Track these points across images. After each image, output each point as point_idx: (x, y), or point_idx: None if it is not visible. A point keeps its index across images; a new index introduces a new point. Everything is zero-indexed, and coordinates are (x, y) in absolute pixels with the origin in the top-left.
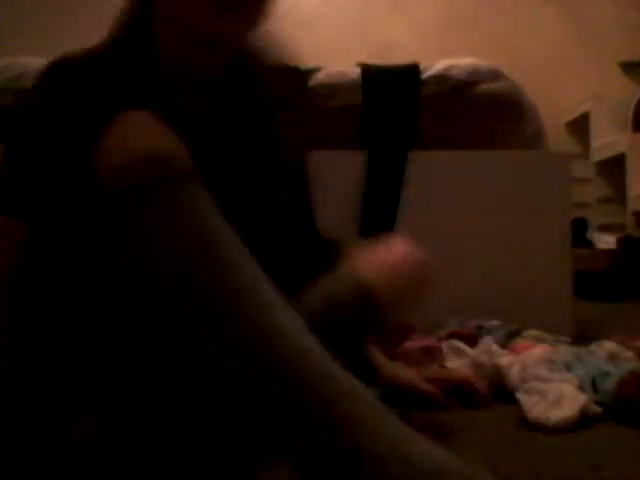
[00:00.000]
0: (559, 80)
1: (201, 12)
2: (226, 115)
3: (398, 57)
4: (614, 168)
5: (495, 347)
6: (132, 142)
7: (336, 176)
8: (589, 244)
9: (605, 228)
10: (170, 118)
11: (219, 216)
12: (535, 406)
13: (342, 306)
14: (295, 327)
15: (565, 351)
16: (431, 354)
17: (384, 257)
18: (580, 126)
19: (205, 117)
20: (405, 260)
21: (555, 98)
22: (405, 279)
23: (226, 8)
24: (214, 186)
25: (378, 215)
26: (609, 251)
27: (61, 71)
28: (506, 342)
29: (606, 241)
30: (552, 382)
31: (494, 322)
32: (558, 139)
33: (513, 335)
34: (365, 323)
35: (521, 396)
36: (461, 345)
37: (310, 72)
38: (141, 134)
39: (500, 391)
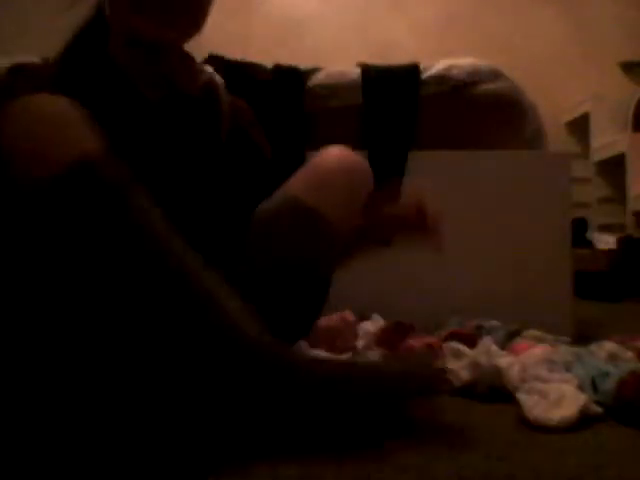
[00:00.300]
0: (559, 80)
1: (131, 17)
2: (178, 104)
3: (398, 57)
4: (614, 168)
5: (494, 348)
6: (57, 148)
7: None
8: (589, 244)
9: (605, 228)
10: (134, 107)
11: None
12: (535, 406)
13: (279, 223)
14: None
15: (565, 351)
16: (433, 351)
17: (310, 166)
18: (580, 126)
19: (160, 104)
20: (330, 161)
21: (555, 98)
22: (331, 176)
23: (153, 13)
24: (166, 166)
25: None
26: (609, 251)
27: (21, 71)
28: (506, 342)
29: (606, 241)
30: (552, 382)
31: (494, 322)
32: (558, 139)
33: (513, 335)
34: (311, 238)
35: (521, 396)
36: (460, 347)
37: (310, 72)
38: (68, 135)
39: (500, 391)
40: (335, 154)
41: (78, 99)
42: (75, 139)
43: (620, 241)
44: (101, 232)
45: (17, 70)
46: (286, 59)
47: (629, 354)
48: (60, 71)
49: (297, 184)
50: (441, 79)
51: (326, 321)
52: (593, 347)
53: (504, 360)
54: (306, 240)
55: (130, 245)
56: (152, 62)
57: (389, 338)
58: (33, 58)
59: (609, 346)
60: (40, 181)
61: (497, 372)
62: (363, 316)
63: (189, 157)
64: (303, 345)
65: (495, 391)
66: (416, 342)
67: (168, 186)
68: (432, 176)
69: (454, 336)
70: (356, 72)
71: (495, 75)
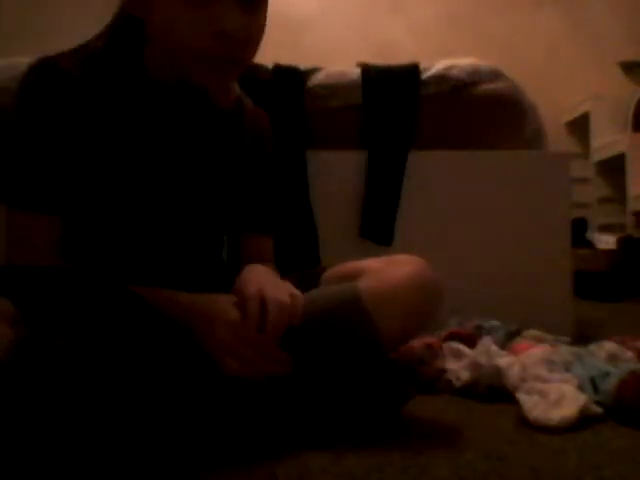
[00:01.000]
0: (559, 80)
1: (193, 69)
2: (212, 119)
3: (398, 57)
4: (614, 168)
5: (494, 348)
6: None
7: (336, 176)
8: (589, 244)
9: (605, 228)
10: (157, 115)
11: None
12: (535, 406)
13: (333, 321)
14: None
15: (565, 351)
16: (433, 351)
17: (388, 276)
18: (580, 126)
19: (184, 116)
20: (410, 284)
21: (555, 98)
22: (408, 305)
23: (216, 71)
24: (184, 170)
25: (378, 215)
26: (609, 251)
27: (49, 69)
28: (506, 342)
29: (606, 241)
30: (552, 382)
31: (494, 322)
32: (558, 139)
33: (513, 335)
34: (358, 341)
35: (521, 396)
36: (460, 347)
37: (310, 72)
38: None
39: (500, 391)
40: (416, 272)
41: (104, 103)
42: None
43: (620, 241)
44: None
45: (40, 67)
46: (286, 59)
47: (629, 354)
48: (88, 72)
49: (368, 289)
50: (441, 79)
51: None
52: (593, 347)
53: (504, 360)
54: (350, 348)
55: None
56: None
57: None
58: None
59: (609, 346)
60: None
61: (497, 372)
62: None
63: (217, 171)
64: None
65: (495, 391)
66: (416, 342)
67: (191, 200)
68: (432, 176)
69: (454, 336)
70: (356, 72)
71: (495, 75)
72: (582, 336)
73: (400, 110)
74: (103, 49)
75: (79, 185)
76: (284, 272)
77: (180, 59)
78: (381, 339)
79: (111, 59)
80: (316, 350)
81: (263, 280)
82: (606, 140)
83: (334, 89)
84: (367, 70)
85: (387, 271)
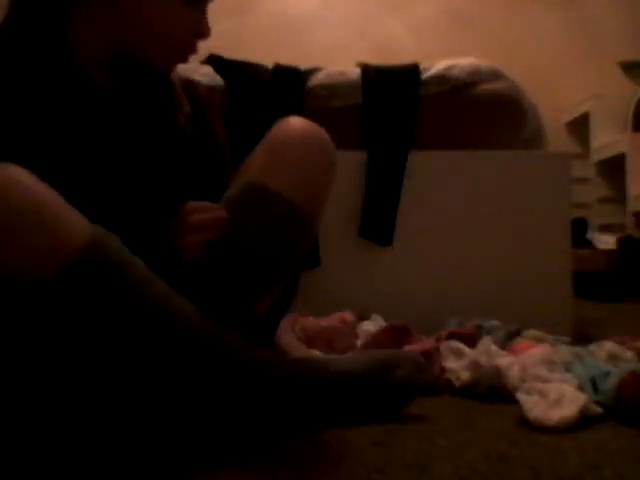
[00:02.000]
0: (559, 80)
1: (160, 53)
2: (129, 90)
3: (398, 57)
4: (614, 168)
5: (494, 348)
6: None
7: (336, 176)
8: (589, 244)
9: (605, 228)
10: (82, 93)
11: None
12: (535, 406)
13: (241, 207)
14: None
15: (565, 351)
16: (429, 358)
17: (269, 141)
18: (580, 126)
19: (116, 92)
20: (290, 136)
21: (555, 98)
22: (293, 155)
23: (185, 58)
24: (120, 150)
25: (378, 215)
26: (609, 251)
27: None
28: (506, 342)
29: (606, 241)
30: (552, 382)
31: (494, 322)
32: (558, 139)
33: (513, 335)
34: (270, 214)
35: (521, 396)
36: (460, 346)
37: (310, 72)
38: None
39: (500, 391)
40: (290, 126)
41: (20, 84)
42: (62, 231)
43: (620, 241)
44: (106, 309)
45: None
46: (286, 59)
47: (629, 354)
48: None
49: (255, 166)
50: (441, 79)
51: (325, 321)
52: (593, 347)
53: (504, 360)
54: (274, 228)
55: (133, 313)
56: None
57: (386, 342)
58: None
59: (609, 346)
60: (41, 283)
61: (497, 372)
62: (363, 316)
63: (146, 144)
64: (302, 347)
65: (495, 391)
66: (413, 347)
67: (127, 174)
68: (432, 176)
69: (454, 336)
70: (356, 72)
71: (495, 75)
72: (582, 336)
73: (400, 110)
74: (10, 27)
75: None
76: None
77: (146, 49)
78: (292, 206)
79: (24, 38)
80: (248, 240)
81: None
82: (606, 140)
83: (334, 89)
84: (367, 70)
85: (269, 142)
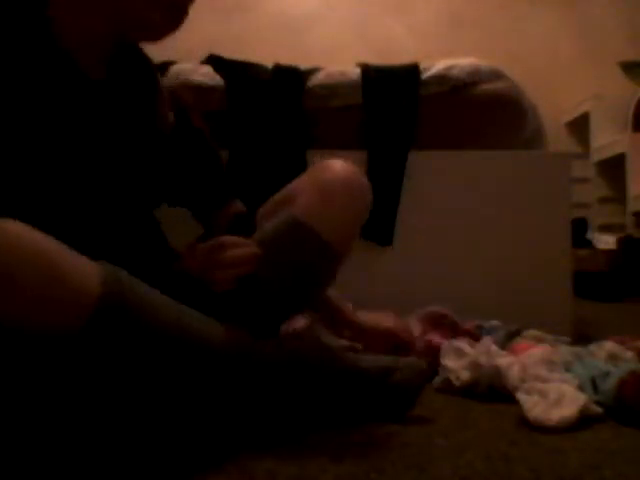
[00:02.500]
0: (559, 80)
1: (149, 9)
2: (120, 82)
3: (398, 57)
4: (614, 168)
5: (494, 348)
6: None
7: None
8: (589, 244)
9: (605, 228)
10: (71, 84)
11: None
12: (535, 406)
13: (278, 243)
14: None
15: (565, 351)
16: (431, 351)
17: (313, 182)
18: (580, 126)
19: (104, 83)
20: (334, 180)
21: (555, 98)
22: (336, 200)
23: (176, 13)
24: (108, 143)
25: (378, 215)
26: (609, 251)
27: None
28: (506, 342)
29: (606, 241)
30: (552, 382)
31: (494, 322)
32: (558, 139)
33: (513, 335)
34: (307, 252)
35: (521, 396)
36: (461, 345)
37: (310, 72)
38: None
39: (500, 391)
40: (338, 170)
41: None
42: (75, 282)
43: (620, 241)
44: (136, 347)
45: None
46: (286, 59)
47: (629, 354)
48: None
49: (300, 204)
50: (441, 79)
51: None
52: (593, 347)
53: (504, 360)
54: (310, 266)
55: (159, 343)
56: (105, 48)
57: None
58: None
59: (609, 346)
60: (68, 333)
61: (497, 372)
62: None
63: (131, 136)
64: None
65: (495, 391)
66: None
67: (107, 166)
68: (432, 176)
69: (466, 333)
70: (356, 72)
71: (495, 75)
72: (582, 336)
73: (400, 110)
74: None
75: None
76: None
77: (141, 10)
78: (329, 246)
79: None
80: (279, 280)
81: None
82: (606, 140)
83: (334, 89)
84: (367, 70)
85: (312, 184)
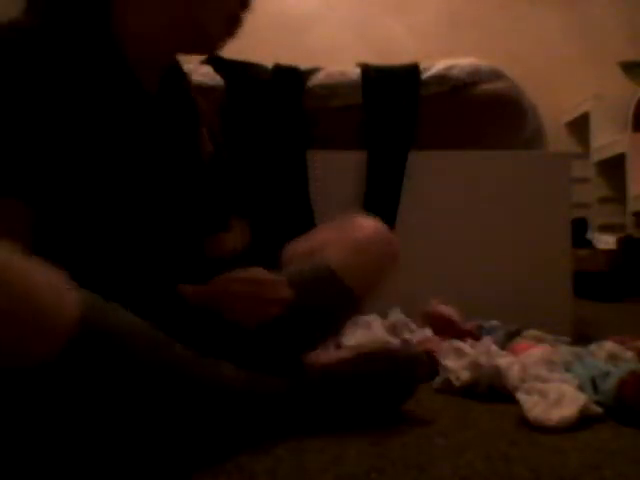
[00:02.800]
0: (559, 80)
1: (214, 22)
2: (169, 97)
3: (398, 57)
4: (614, 168)
5: (494, 348)
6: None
7: (336, 176)
8: (589, 244)
9: (605, 228)
10: (130, 98)
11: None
12: (535, 406)
13: (309, 290)
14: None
15: (565, 351)
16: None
17: (347, 236)
18: (580, 126)
19: (156, 97)
20: (369, 237)
21: (555, 98)
22: (369, 257)
23: (234, 24)
24: (157, 156)
25: (378, 215)
26: (609, 251)
27: (12, 46)
28: (506, 342)
29: (606, 241)
30: (552, 382)
31: (494, 322)
32: (558, 139)
33: (513, 335)
34: (336, 303)
35: (521, 396)
36: (461, 345)
37: (310, 72)
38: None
39: (500, 391)
40: (372, 229)
41: (60, 73)
42: (50, 312)
43: (620, 241)
44: (115, 374)
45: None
46: (286, 59)
47: (629, 354)
48: (44, 34)
49: (334, 256)
50: (441, 79)
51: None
52: (593, 347)
53: (504, 360)
54: (332, 313)
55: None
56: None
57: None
58: None
59: (609, 346)
60: (45, 366)
61: (497, 372)
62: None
63: (185, 156)
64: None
65: (495, 391)
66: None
67: (155, 183)
68: (432, 176)
69: (467, 334)
70: (356, 72)
71: (495, 75)
72: (582, 336)
73: (400, 110)
74: (47, 24)
75: (44, 172)
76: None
77: (198, 21)
78: (356, 294)
79: (66, 36)
80: (303, 324)
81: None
82: (606, 140)
83: (334, 89)
84: (367, 70)
85: (347, 238)
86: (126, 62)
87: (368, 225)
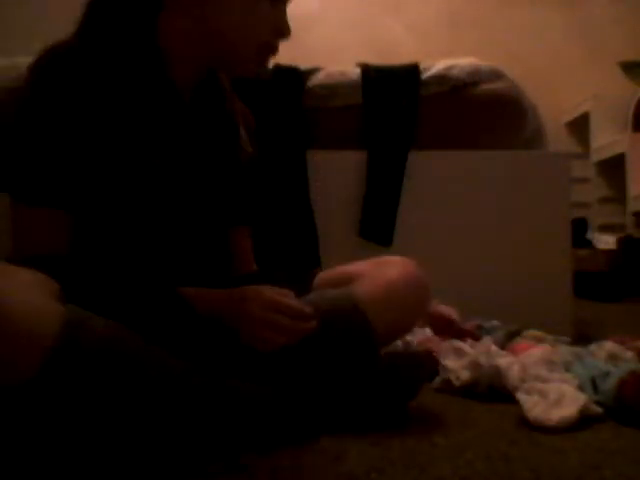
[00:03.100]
0: (559, 80)
1: (246, 47)
2: (203, 103)
3: (398, 57)
4: (614, 168)
5: (494, 348)
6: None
7: (336, 176)
8: (589, 244)
9: (605, 228)
10: (170, 110)
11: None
12: (535, 406)
13: (334, 327)
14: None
15: (565, 351)
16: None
17: (381, 280)
18: (580, 126)
19: (190, 104)
20: (402, 285)
21: (555, 98)
22: (401, 305)
23: (266, 59)
24: (189, 164)
25: (378, 215)
26: (609, 251)
27: (59, 61)
28: (506, 342)
29: (606, 241)
30: (552, 382)
31: (494, 322)
32: (558, 139)
33: (513, 335)
34: (357, 346)
35: (521, 396)
36: (461, 345)
37: (310, 72)
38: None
39: (500, 391)
40: (404, 270)
41: (112, 94)
42: (27, 333)
43: (620, 241)
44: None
45: (52, 55)
46: (286, 59)
47: (629, 354)
48: (95, 62)
49: (363, 290)
50: (441, 79)
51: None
52: (593, 347)
53: (504, 360)
54: (349, 357)
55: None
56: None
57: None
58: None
59: (609, 346)
60: (28, 383)
61: (497, 372)
62: None
63: (220, 163)
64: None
65: (495, 391)
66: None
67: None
68: (432, 176)
69: (466, 333)
70: (356, 72)
71: (495, 75)
72: (582, 336)
73: (400, 110)
74: (102, 39)
75: (85, 180)
76: (283, 272)
77: (235, 53)
78: (377, 339)
79: (115, 49)
80: (318, 354)
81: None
82: (606, 140)
83: (334, 89)
84: (367, 70)
85: (379, 274)
86: (169, 78)
87: (402, 265)
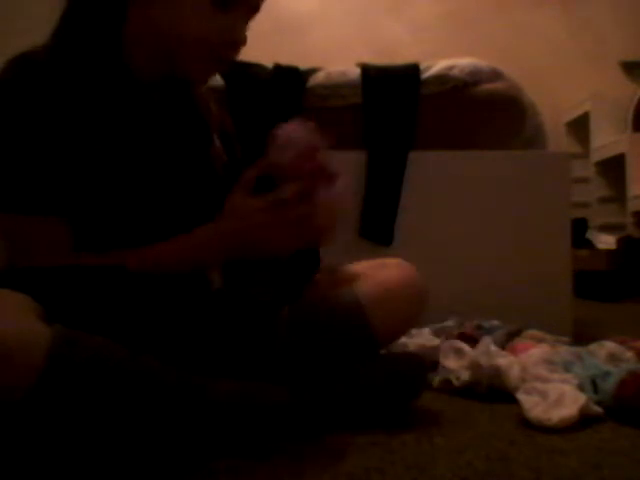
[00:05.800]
0: (559, 80)
1: (195, 60)
2: (168, 107)
3: (398, 57)
4: (614, 168)
5: (494, 348)
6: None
7: None
8: (589, 244)
9: (605, 228)
10: (142, 113)
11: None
12: (535, 406)
13: (334, 327)
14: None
15: (565, 351)
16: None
17: (380, 281)
18: (580, 126)
19: (157, 106)
20: (401, 286)
21: (555, 98)
22: (400, 306)
23: (214, 67)
24: (164, 156)
25: (378, 215)
26: (609, 251)
27: (30, 67)
28: (506, 342)
29: (606, 241)
30: (552, 382)
31: (494, 322)
32: (558, 139)
33: (513, 335)
34: (357, 346)
35: (521, 396)
36: (461, 345)
37: (310, 72)
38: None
39: (500, 391)
40: (404, 273)
41: (83, 95)
42: (14, 353)
43: (620, 241)
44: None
45: (20, 61)
46: (286, 59)
47: (629, 354)
48: (64, 65)
49: (363, 291)
50: (441, 79)
51: None
52: (593, 347)
53: (504, 360)
54: (346, 354)
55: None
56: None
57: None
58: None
59: (609, 346)
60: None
61: (497, 372)
62: None
63: (196, 152)
64: None
65: (495, 391)
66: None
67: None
68: (432, 176)
69: (462, 337)
70: (356, 72)
71: (495, 75)
72: (582, 336)
73: (400, 110)
74: (70, 41)
75: (68, 181)
76: (283, 272)
77: (181, 54)
78: (377, 338)
79: (84, 51)
80: (317, 348)
81: None
82: (606, 140)
83: (334, 89)
84: (367, 70)
85: (378, 275)
86: (135, 78)
87: (403, 267)
